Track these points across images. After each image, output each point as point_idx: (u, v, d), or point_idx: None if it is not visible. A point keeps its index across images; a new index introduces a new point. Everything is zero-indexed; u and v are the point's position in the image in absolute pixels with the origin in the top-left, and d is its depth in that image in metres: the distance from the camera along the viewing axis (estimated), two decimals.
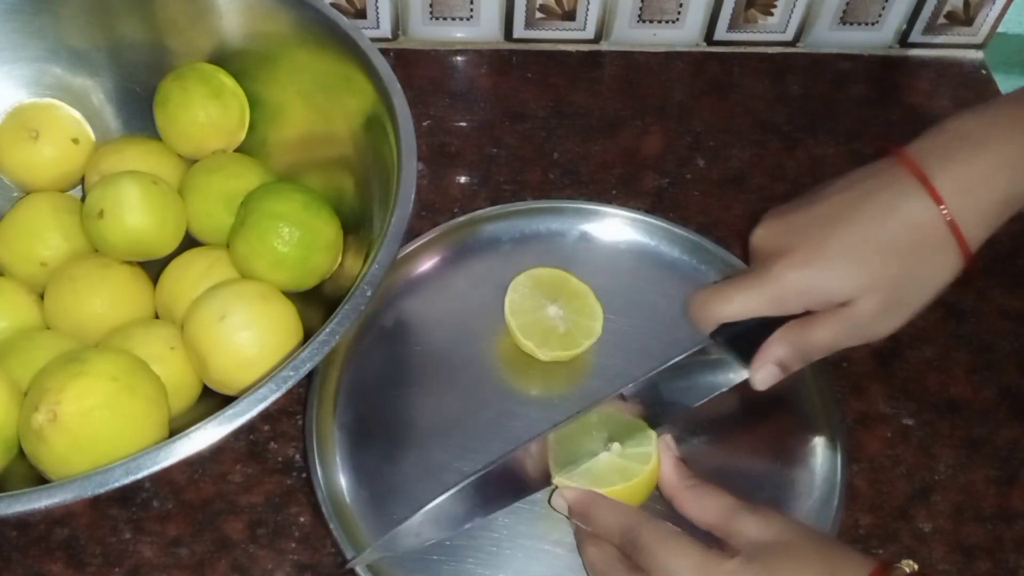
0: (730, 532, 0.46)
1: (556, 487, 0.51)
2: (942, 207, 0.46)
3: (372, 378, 0.57)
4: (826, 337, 0.49)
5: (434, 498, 0.49)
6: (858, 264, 0.47)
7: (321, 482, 0.52)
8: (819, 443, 0.55)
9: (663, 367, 0.51)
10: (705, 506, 0.48)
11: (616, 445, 0.51)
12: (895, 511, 0.54)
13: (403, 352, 0.58)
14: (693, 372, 0.52)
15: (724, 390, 0.52)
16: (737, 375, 0.52)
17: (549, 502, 0.51)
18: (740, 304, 0.49)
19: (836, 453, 0.54)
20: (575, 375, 0.56)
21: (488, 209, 0.64)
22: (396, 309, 0.60)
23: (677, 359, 0.51)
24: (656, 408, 0.52)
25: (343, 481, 0.53)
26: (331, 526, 0.50)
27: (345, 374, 0.57)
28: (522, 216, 0.64)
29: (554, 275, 0.59)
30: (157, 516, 0.53)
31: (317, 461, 0.52)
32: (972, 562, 0.53)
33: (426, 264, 0.62)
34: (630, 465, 0.50)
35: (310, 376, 0.53)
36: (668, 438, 0.51)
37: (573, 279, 0.58)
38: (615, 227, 0.64)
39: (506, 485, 0.51)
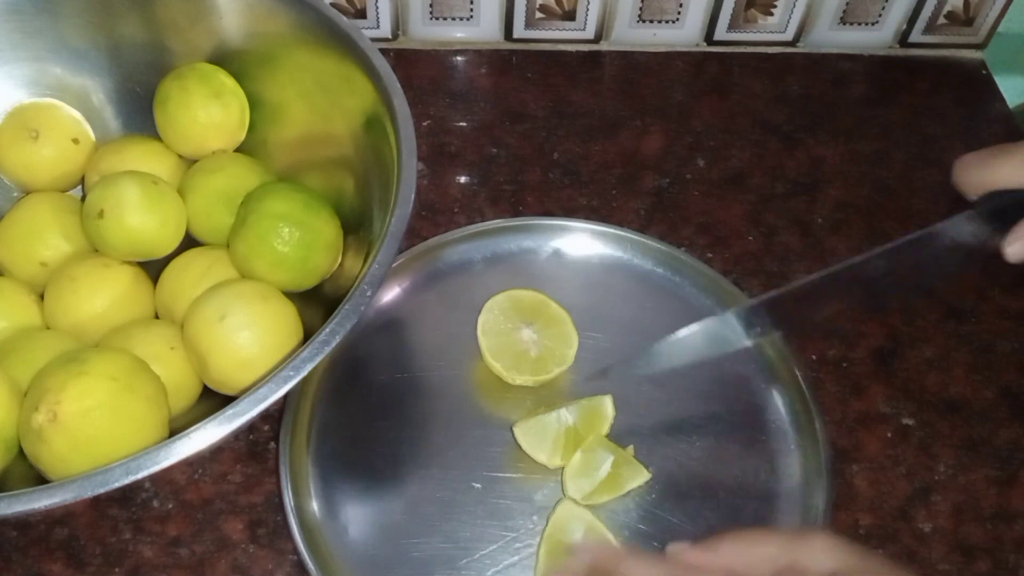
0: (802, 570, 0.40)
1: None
2: None
3: (347, 411, 0.56)
4: None
5: (423, 526, 0.50)
6: None
7: (295, 521, 0.51)
8: (801, 447, 0.55)
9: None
10: (756, 555, 0.41)
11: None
12: (895, 511, 0.54)
13: (378, 383, 0.57)
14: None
15: None
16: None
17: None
18: (1015, 172, 0.44)
19: (819, 455, 0.54)
20: (554, 398, 0.55)
21: (455, 231, 0.63)
22: (369, 339, 0.58)
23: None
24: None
25: (319, 518, 0.52)
26: (305, 558, 0.49)
27: (319, 408, 0.56)
28: (491, 236, 0.63)
29: (533, 298, 0.58)
30: (157, 516, 0.53)
31: (291, 497, 0.51)
32: (972, 562, 0.53)
33: (396, 290, 0.61)
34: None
35: (282, 412, 0.53)
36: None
37: (553, 304, 0.57)
38: (586, 242, 0.63)
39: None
